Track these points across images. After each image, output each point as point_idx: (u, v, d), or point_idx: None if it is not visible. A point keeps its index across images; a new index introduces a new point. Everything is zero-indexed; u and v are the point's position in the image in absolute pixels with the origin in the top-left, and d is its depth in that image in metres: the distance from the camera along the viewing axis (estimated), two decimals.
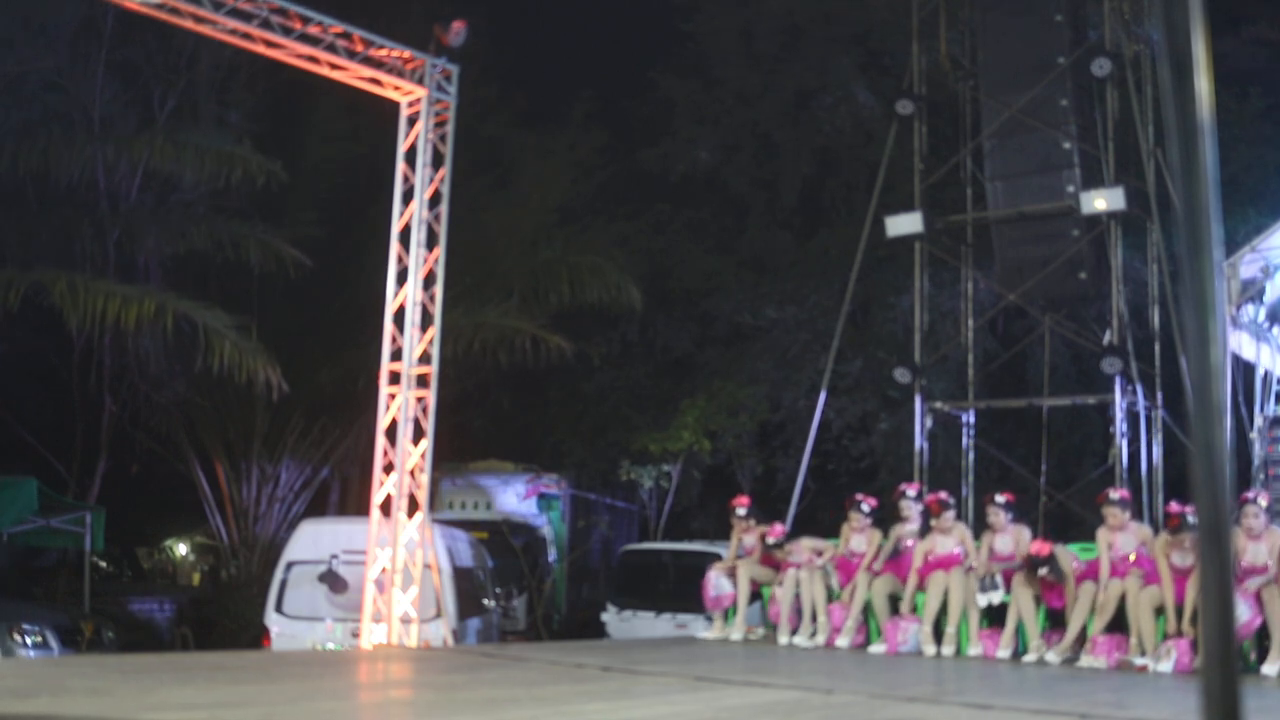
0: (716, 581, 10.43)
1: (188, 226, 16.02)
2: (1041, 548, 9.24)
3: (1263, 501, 8.38)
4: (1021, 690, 7.48)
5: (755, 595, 10.50)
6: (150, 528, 28.75)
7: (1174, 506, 8.70)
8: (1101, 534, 8.93)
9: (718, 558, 11.25)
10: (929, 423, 14.71)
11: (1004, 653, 9.02)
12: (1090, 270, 13.78)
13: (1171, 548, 8.45)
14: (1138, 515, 9.83)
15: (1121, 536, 8.83)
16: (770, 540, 10.38)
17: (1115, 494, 9.16)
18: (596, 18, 23.42)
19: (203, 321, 14.29)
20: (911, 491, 10.02)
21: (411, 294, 10.75)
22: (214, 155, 14.89)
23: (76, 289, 13.59)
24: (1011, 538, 9.40)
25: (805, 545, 10.33)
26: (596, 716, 5.79)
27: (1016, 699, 6.74)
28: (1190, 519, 8.10)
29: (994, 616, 9.30)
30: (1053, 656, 8.74)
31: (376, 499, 10.59)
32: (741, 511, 10.77)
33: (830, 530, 10.56)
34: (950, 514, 9.70)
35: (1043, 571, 8.91)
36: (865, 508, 10.12)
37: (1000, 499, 9.56)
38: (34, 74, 16.06)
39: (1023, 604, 8.97)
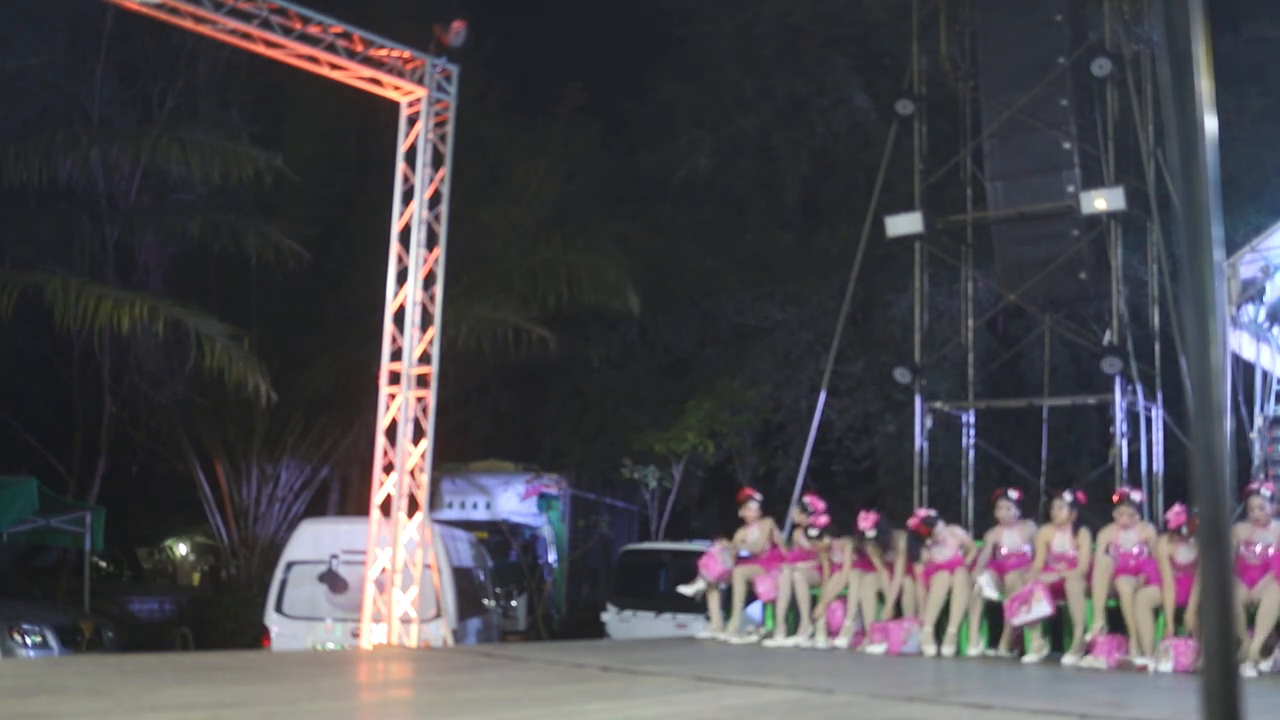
0: (721, 555, 10.45)
1: (186, 218, 15.99)
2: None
3: (1267, 491, 8.39)
4: (1021, 690, 7.48)
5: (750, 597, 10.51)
6: (150, 528, 28.79)
7: (1178, 514, 8.62)
8: (1104, 533, 8.94)
9: None
10: (929, 423, 14.70)
11: (1034, 656, 8.98)
12: (1090, 270, 13.77)
13: (1174, 545, 8.44)
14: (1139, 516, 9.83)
15: (1125, 535, 8.84)
16: (812, 532, 10.35)
17: (1135, 495, 9.17)
18: (594, 19, 23.47)
19: (195, 326, 14.28)
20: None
21: (411, 294, 10.75)
22: (219, 153, 14.86)
23: (70, 290, 13.56)
24: (1019, 534, 9.42)
25: (848, 546, 10.13)
26: (597, 716, 5.79)
27: (1016, 699, 6.74)
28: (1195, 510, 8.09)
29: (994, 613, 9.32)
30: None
31: (376, 499, 10.59)
32: (753, 500, 10.77)
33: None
34: (940, 527, 9.69)
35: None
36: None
37: (1012, 494, 9.56)
38: (32, 72, 16.03)
39: (1074, 606, 8.89)
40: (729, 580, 10.46)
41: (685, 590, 10.73)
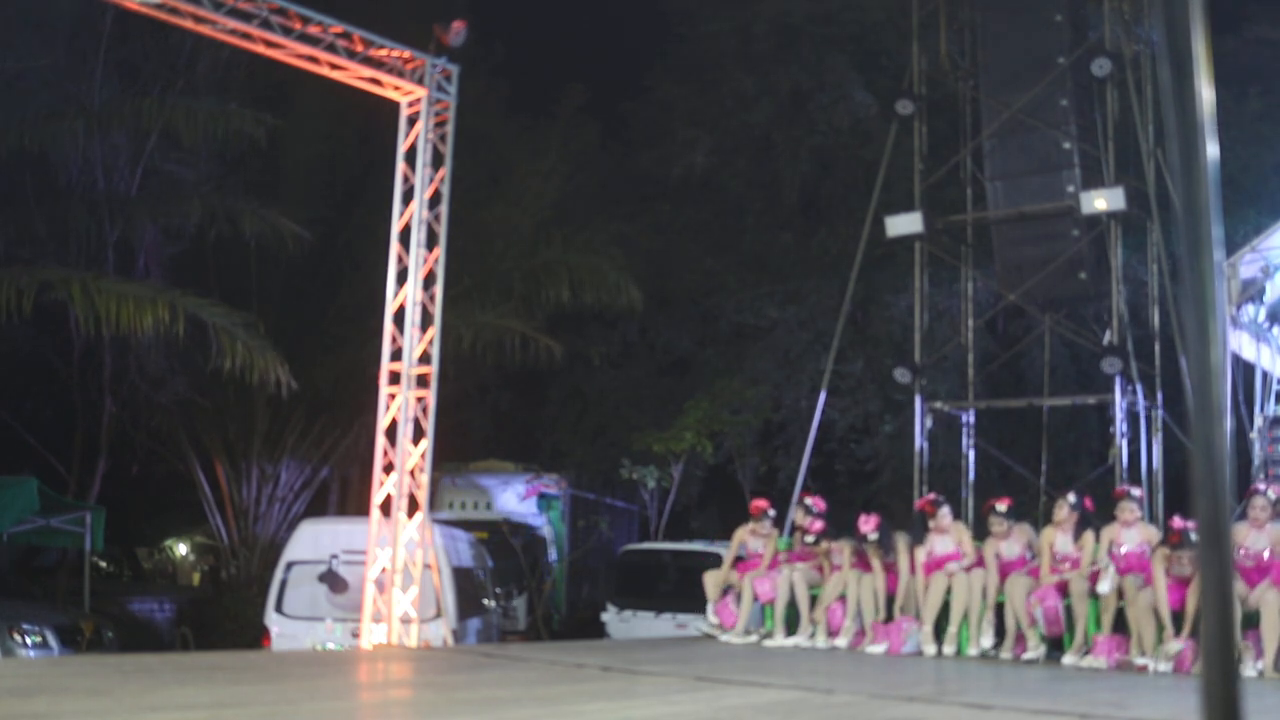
0: (734, 606, 10.42)
1: (183, 203, 15.96)
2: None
3: (1272, 494, 8.37)
4: (1021, 690, 7.48)
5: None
6: (150, 528, 28.78)
7: (1177, 522, 8.52)
8: (1106, 531, 8.93)
9: (718, 558, 11.24)
10: (929, 423, 14.70)
11: (1033, 653, 8.98)
12: (1090, 270, 13.77)
13: (1170, 561, 8.40)
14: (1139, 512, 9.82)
15: (1127, 532, 8.84)
16: (809, 538, 10.31)
17: (1135, 491, 9.18)
18: (594, 19, 23.45)
19: (213, 321, 14.23)
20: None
21: (411, 294, 10.75)
22: (219, 116, 14.85)
23: (90, 292, 13.53)
24: (1016, 542, 9.42)
25: (847, 548, 10.11)
26: (596, 716, 5.79)
27: (1016, 699, 6.74)
28: (1193, 536, 8.06)
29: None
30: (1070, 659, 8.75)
31: (376, 499, 10.59)
32: (767, 517, 10.71)
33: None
34: (945, 512, 9.67)
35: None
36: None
37: (1001, 507, 9.50)
38: (33, 73, 16.03)
39: (1077, 605, 8.89)
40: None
41: (703, 627, 10.73)
